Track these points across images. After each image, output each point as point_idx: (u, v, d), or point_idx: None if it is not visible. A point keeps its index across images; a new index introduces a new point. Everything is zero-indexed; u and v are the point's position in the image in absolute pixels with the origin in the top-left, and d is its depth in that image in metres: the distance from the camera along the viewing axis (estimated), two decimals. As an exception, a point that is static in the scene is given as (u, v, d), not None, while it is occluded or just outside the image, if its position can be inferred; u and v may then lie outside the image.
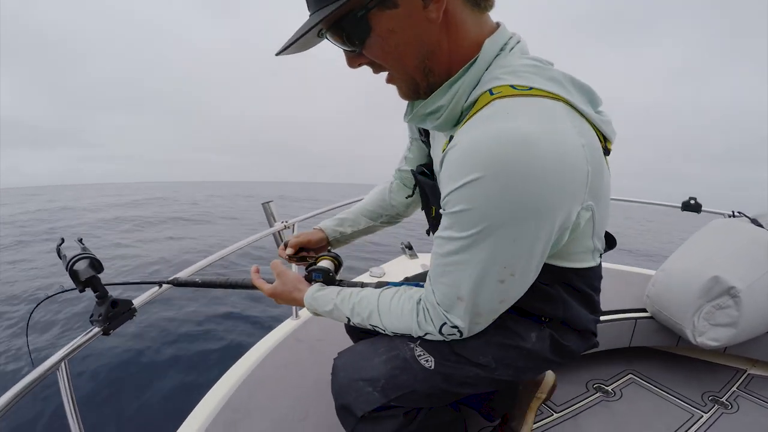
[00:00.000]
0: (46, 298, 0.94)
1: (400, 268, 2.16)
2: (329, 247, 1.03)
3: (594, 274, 0.70)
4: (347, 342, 1.21)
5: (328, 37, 0.59)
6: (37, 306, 0.95)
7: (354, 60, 0.61)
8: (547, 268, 0.61)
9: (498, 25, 0.60)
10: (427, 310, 0.64)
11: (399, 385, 0.68)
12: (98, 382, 2.72)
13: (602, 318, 1.40)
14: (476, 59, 0.56)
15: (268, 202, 1.68)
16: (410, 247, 2.15)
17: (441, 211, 0.57)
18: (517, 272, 0.55)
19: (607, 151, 0.59)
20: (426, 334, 0.66)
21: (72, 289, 0.86)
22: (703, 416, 1.19)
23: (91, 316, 0.84)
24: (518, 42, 0.59)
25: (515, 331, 0.70)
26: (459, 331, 0.62)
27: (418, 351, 0.70)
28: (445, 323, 0.62)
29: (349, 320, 0.73)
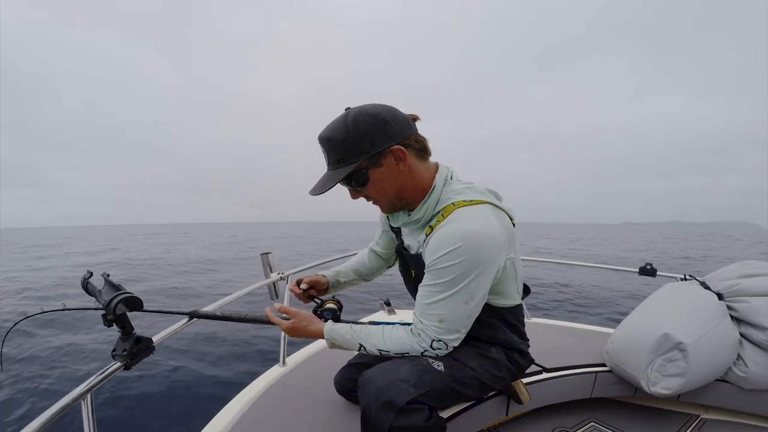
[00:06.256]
0: (22, 320, 0.93)
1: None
2: (333, 294, 1.26)
3: (519, 311, 1.09)
4: (334, 391, 1.31)
5: (341, 182, 0.93)
6: (16, 323, 0.94)
7: (356, 194, 1.00)
8: (488, 306, 0.99)
9: (436, 164, 1.02)
10: (418, 334, 0.95)
11: (425, 383, 0.94)
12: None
13: (566, 372, 1.52)
14: (434, 189, 0.97)
15: (266, 254, 1.76)
16: (388, 303, 2.20)
17: (426, 270, 0.92)
18: (475, 297, 0.91)
19: (513, 225, 0.99)
20: (424, 351, 0.96)
21: (52, 311, 0.90)
22: None
23: (114, 350, 0.85)
24: (452, 172, 1.02)
25: (482, 348, 1.06)
26: (445, 344, 0.94)
27: (430, 360, 0.98)
28: (434, 340, 0.93)
29: (360, 347, 0.99)
